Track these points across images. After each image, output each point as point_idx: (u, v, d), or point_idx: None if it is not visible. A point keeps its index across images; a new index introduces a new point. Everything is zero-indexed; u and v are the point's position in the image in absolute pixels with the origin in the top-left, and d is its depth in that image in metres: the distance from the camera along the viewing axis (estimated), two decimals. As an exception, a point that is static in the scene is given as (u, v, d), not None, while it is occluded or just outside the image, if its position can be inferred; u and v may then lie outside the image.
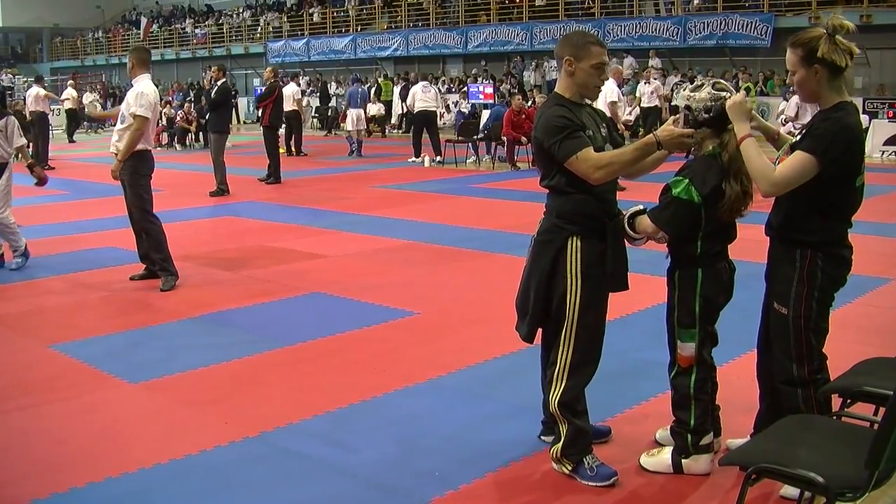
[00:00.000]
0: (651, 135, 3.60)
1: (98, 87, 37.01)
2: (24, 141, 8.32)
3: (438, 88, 23.45)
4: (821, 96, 3.36)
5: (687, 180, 3.52)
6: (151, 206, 7.39)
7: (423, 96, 17.81)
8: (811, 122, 3.43)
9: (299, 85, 20.46)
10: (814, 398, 3.44)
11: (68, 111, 26.34)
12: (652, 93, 19.45)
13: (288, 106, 18.97)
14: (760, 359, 3.73)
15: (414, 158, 17.79)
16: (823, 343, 3.49)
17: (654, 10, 26.32)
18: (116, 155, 7.24)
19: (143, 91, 7.21)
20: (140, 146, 7.20)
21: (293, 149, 20.08)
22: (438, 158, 17.59)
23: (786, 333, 3.45)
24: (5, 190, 7.88)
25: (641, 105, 19.52)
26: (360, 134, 20.27)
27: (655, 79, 20.43)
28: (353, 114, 19.91)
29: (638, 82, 19.77)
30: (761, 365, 3.73)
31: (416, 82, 27.34)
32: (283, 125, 19.74)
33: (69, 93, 26.08)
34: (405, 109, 27.72)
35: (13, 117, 8.09)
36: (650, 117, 19.41)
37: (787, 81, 17.54)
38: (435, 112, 18.14)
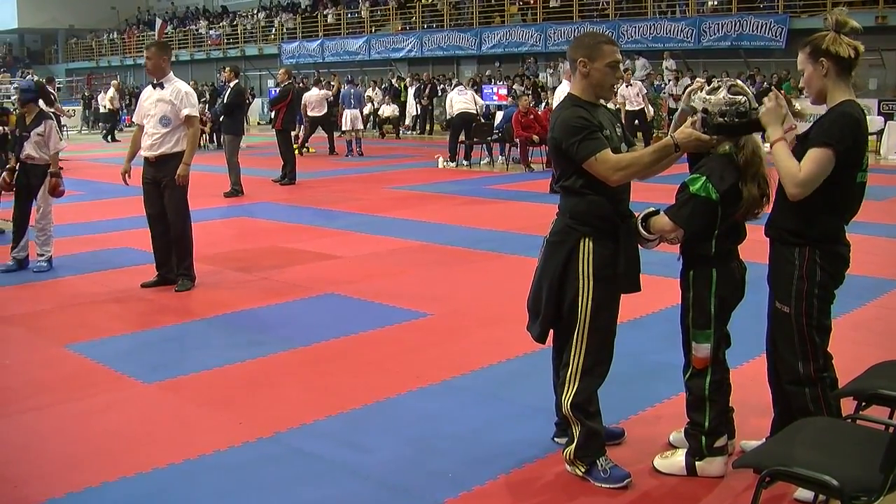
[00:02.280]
0: (669, 137, 3.59)
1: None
2: (63, 146, 8.33)
3: (479, 90, 23.47)
4: (828, 94, 3.38)
5: (704, 177, 3.51)
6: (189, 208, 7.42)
7: (460, 98, 17.90)
8: (818, 119, 3.42)
9: (327, 87, 20.54)
10: (822, 398, 3.43)
11: (108, 112, 26.62)
12: (637, 94, 18.61)
13: (318, 112, 19.16)
14: (770, 364, 3.72)
15: (444, 160, 17.47)
16: (827, 342, 3.49)
17: (660, 11, 26.16)
18: (152, 160, 7.19)
19: (187, 91, 7.28)
20: (179, 147, 7.20)
21: (309, 148, 20.21)
22: (466, 162, 17.56)
23: (790, 332, 3.46)
24: (45, 192, 7.92)
25: (626, 109, 18.16)
26: (359, 134, 20.35)
27: (637, 80, 19.80)
28: (348, 114, 20.02)
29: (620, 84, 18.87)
30: (772, 370, 3.71)
31: (429, 83, 27.61)
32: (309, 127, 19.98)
33: (110, 94, 26.38)
34: (419, 111, 27.85)
35: (52, 121, 8.02)
36: (639, 120, 18.59)
37: (800, 85, 17.17)
38: (474, 114, 18.14)
